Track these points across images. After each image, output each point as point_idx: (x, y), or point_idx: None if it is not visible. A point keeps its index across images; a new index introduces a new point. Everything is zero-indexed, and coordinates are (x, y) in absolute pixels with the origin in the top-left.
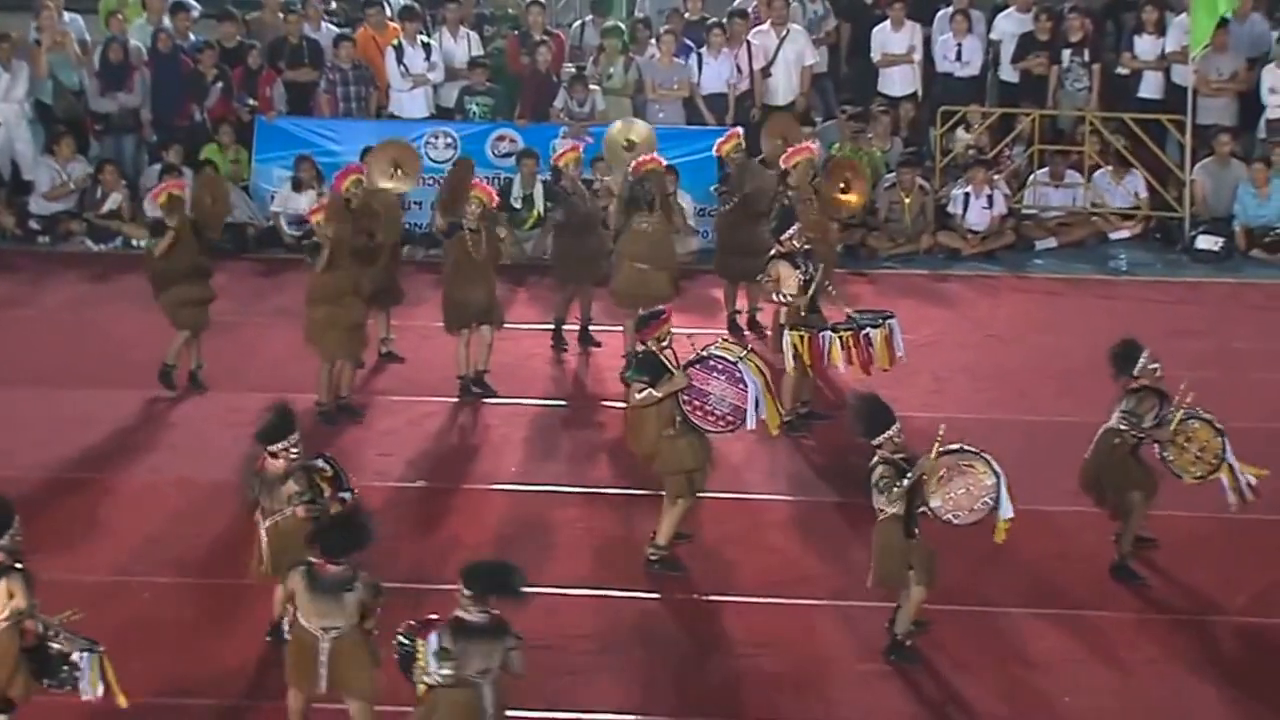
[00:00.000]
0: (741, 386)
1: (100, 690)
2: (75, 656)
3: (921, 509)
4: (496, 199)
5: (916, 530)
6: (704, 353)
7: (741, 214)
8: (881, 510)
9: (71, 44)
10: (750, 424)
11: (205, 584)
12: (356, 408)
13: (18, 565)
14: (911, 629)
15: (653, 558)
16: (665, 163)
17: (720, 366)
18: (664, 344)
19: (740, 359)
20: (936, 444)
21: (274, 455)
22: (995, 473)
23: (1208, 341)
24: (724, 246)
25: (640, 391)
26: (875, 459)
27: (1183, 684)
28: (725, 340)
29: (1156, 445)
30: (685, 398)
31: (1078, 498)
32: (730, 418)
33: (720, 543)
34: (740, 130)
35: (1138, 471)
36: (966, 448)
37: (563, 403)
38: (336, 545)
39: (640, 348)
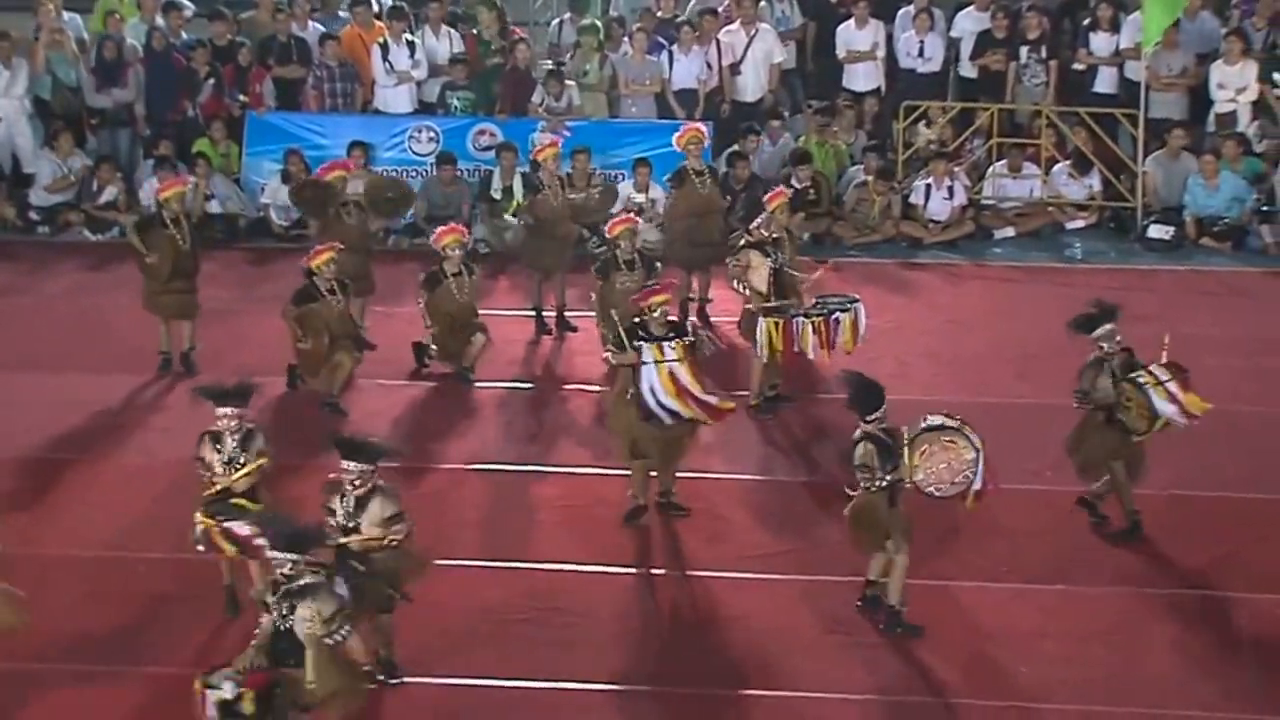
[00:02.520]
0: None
1: None
2: None
3: (902, 482)
4: (469, 238)
5: (898, 500)
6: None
7: (693, 206)
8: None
9: (69, 42)
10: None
11: (197, 559)
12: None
13: None
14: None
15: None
16: (638, 221)
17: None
18: (655, 314)
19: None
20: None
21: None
22: (975, 448)
23: (1159, 327)
24: (676, 237)
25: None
26: (859, 433)
27: (1136, 654)
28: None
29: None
30: None
31: (1036, 476)
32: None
33: (693, 520)
34: (699, 125)
35: (1113, 440)
36: (948, 423)
37: (534, 386)
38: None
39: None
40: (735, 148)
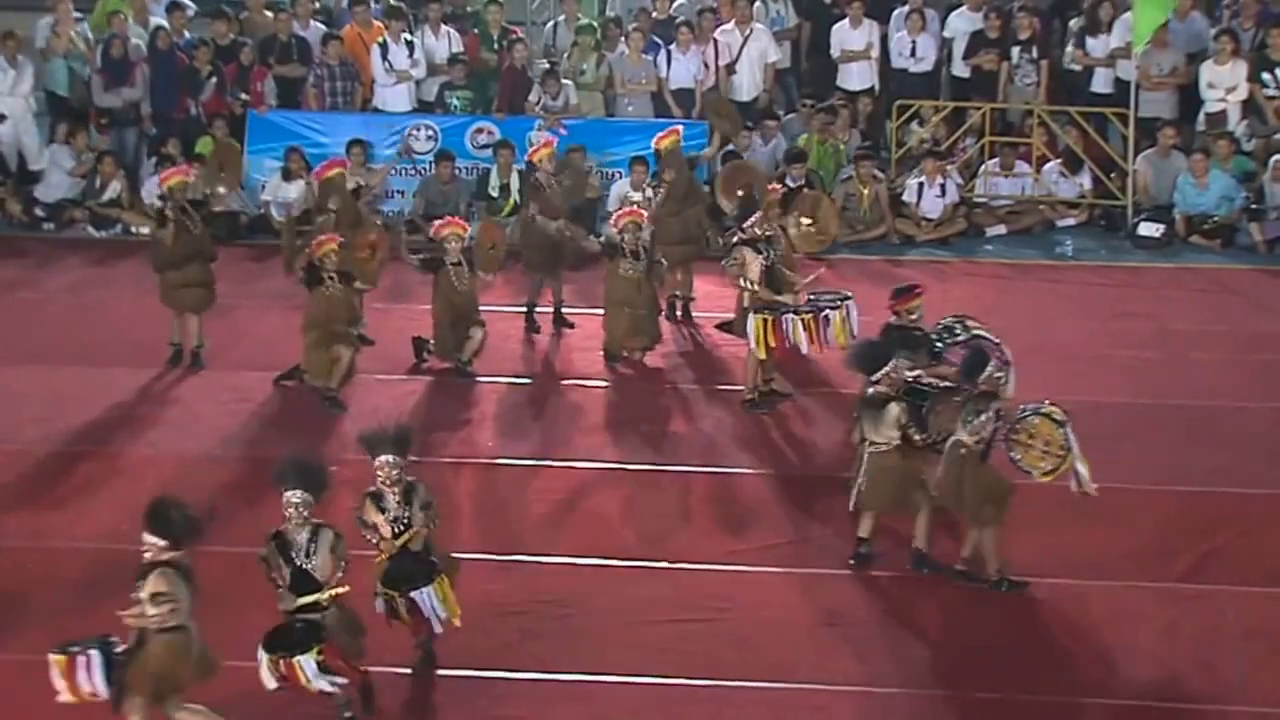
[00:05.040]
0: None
1: None
2: None
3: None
4: (468, 231)
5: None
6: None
7: (671, 207)
8: (873, 441)
9: (81, 41)
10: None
11: (199, 553)
12: (340, 400)
13: None
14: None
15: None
16: (644, 214)
17: (984, 345)
18: (913, 317)
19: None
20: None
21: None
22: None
23: (1148, 323)
24: (658, 236)
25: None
26: (872, 390)
27: (1122, 646)
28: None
29: (1005, 446)
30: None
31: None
32: None
33: (690, 514)
34: (677, 128)
35: (989, 479)
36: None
37: (532, 380)
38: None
39: (893, 318)
40: (729, 146)
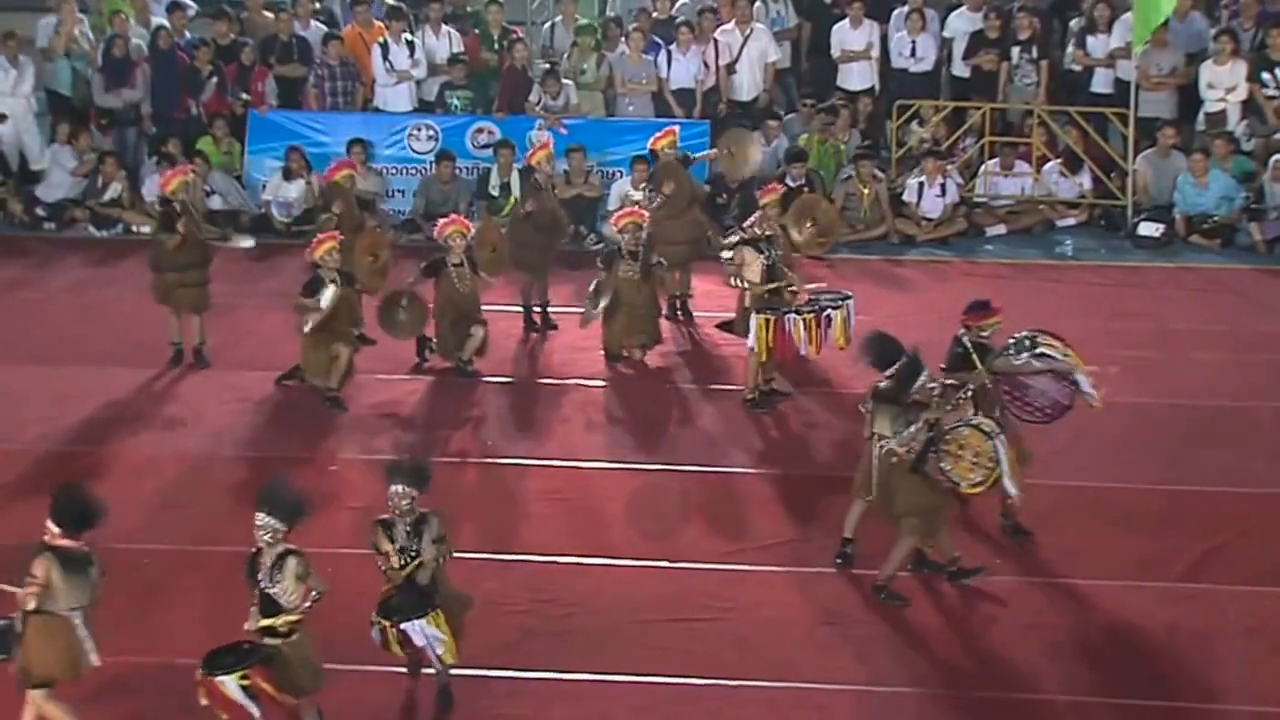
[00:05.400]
0: (1066, 383)
1: None
2: None
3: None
4: (471, 230)
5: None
6: (1031, 347)
7: (666, 210)
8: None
9: (86, 41)
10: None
11: (200, 551)
12: (341, 399)
13: None
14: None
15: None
16: (644, 215)
17: (1045, 364)
18: (985, 334)
19: (1065, 355)
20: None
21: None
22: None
23: (1148, 323)
24: (657, 237)
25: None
26: (884, 384)
27: (1128, 646)
28: (1046, 333)
29: (935, 456)
30: (1006, 388)
31: (1028, 470)
32: (1049, 410)
33: (689, 513)
34: (674, 129)
35: (918, 490)
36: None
37: (533, 380)
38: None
39: (963, 332)
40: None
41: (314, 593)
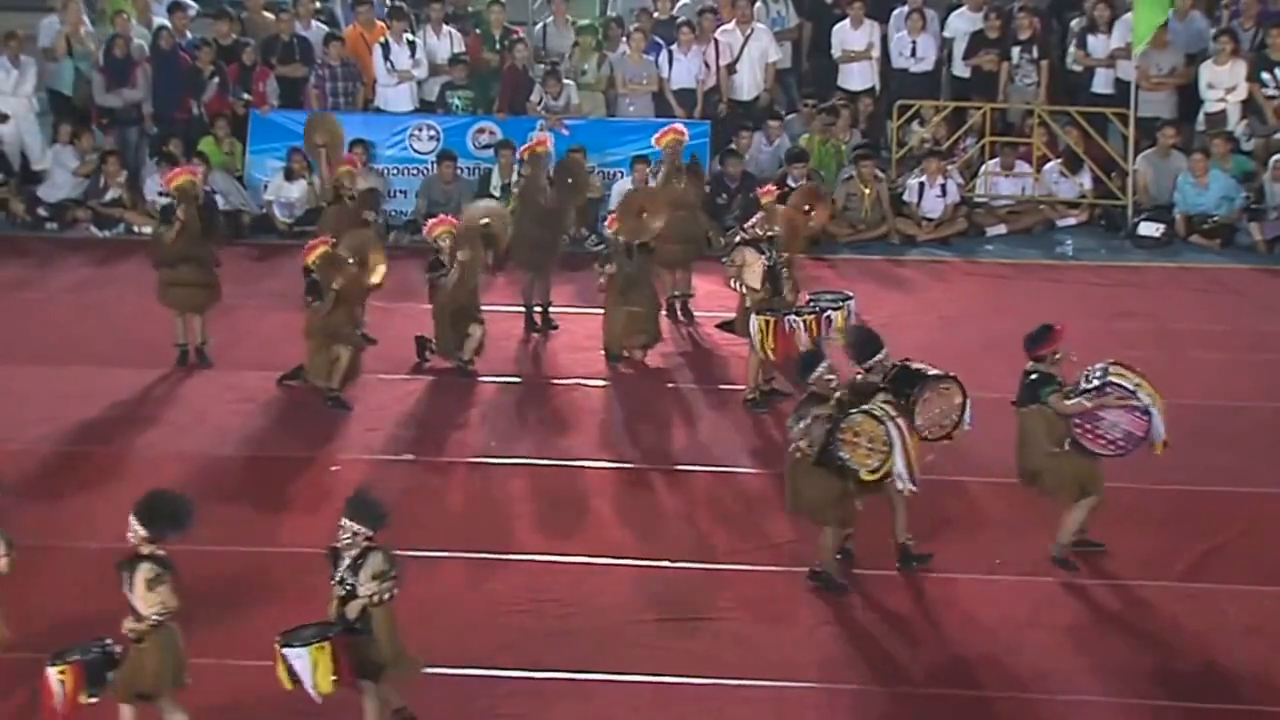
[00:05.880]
0: (1138, 414)
1: None
2: None
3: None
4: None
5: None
6: (1100, 380)
7: (666, 192)
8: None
9: (90, 41)
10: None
11: (202, 550)
12: (344, 400)
13: None
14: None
15: (1055, 555)
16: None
17: (1116, 394)
18: (1057, 359)
19: (1137, 386)
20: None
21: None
22: (964, 394)
23: (1148, 322)
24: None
25: (1069, 400)
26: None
27: (1128, 645)
28: (1119, 364)
29: (834, 447)
30: (1077, 422)
31: None
32: (1122, 443)
33: (688, 513)
34: (679, 127)
35: (822, 482)
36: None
37: (533, 380)
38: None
39: (1031, 365)
40: (731, 145)
41: (164, 601)
